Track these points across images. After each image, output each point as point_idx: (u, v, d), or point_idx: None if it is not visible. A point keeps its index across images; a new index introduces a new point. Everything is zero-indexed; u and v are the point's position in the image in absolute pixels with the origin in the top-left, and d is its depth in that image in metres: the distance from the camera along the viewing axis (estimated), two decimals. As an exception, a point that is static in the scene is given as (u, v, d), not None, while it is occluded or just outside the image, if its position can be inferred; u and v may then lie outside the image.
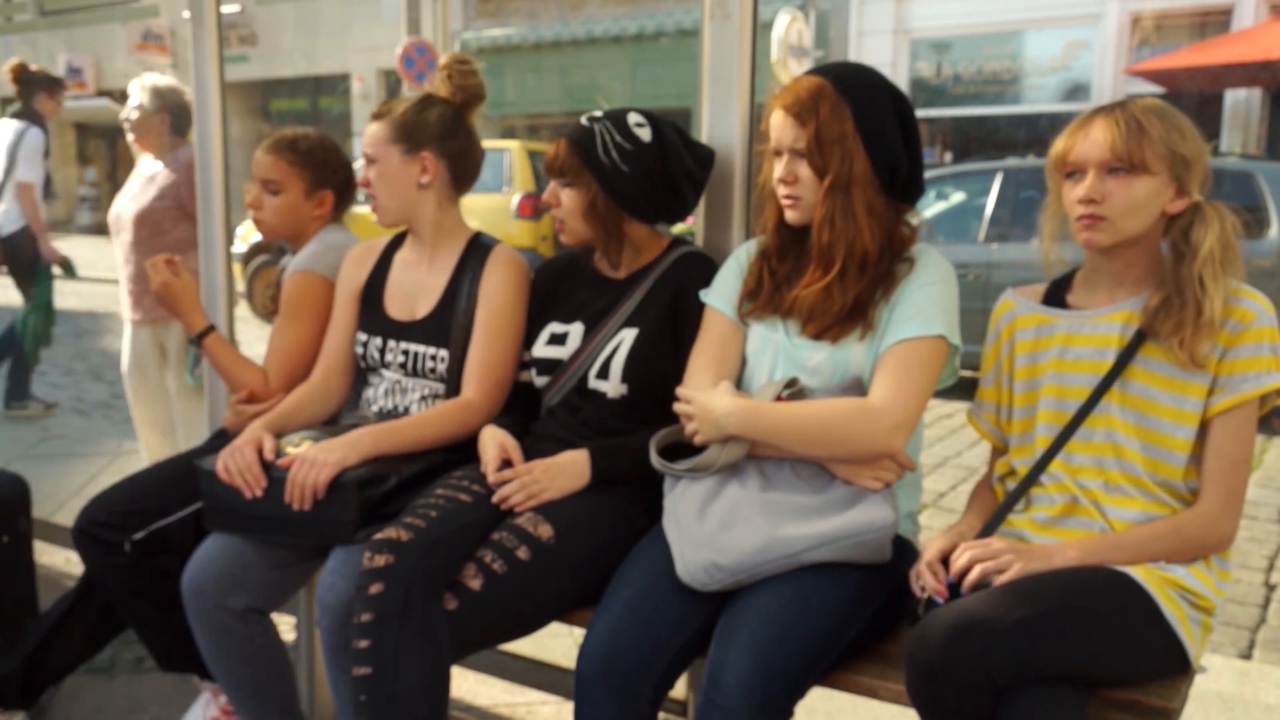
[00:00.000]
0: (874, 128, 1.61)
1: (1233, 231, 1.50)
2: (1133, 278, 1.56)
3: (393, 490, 1.85)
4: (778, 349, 1.69)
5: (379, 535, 1.63)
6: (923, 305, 1.59)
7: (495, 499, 1.74)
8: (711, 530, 1.55)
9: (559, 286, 2.00)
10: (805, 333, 1.67)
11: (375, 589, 1.59)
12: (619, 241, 1.88)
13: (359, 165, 2.05)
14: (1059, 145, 1.56)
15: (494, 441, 1.83)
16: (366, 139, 2.01)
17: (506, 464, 1.80)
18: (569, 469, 1.77)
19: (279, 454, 1.85)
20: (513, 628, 1.70)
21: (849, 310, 1.63)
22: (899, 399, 1.54)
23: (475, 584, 1.61)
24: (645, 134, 1.83)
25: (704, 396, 1.64)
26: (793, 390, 1.63)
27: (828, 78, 1.63)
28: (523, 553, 1.65)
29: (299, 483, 1.78)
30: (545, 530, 1.68)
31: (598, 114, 1.87)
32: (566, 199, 1.87)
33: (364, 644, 1.59)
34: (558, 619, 1.72)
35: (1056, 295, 1.64)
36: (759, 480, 1.61)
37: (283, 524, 1.82)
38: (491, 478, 1.76)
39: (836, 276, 1.63)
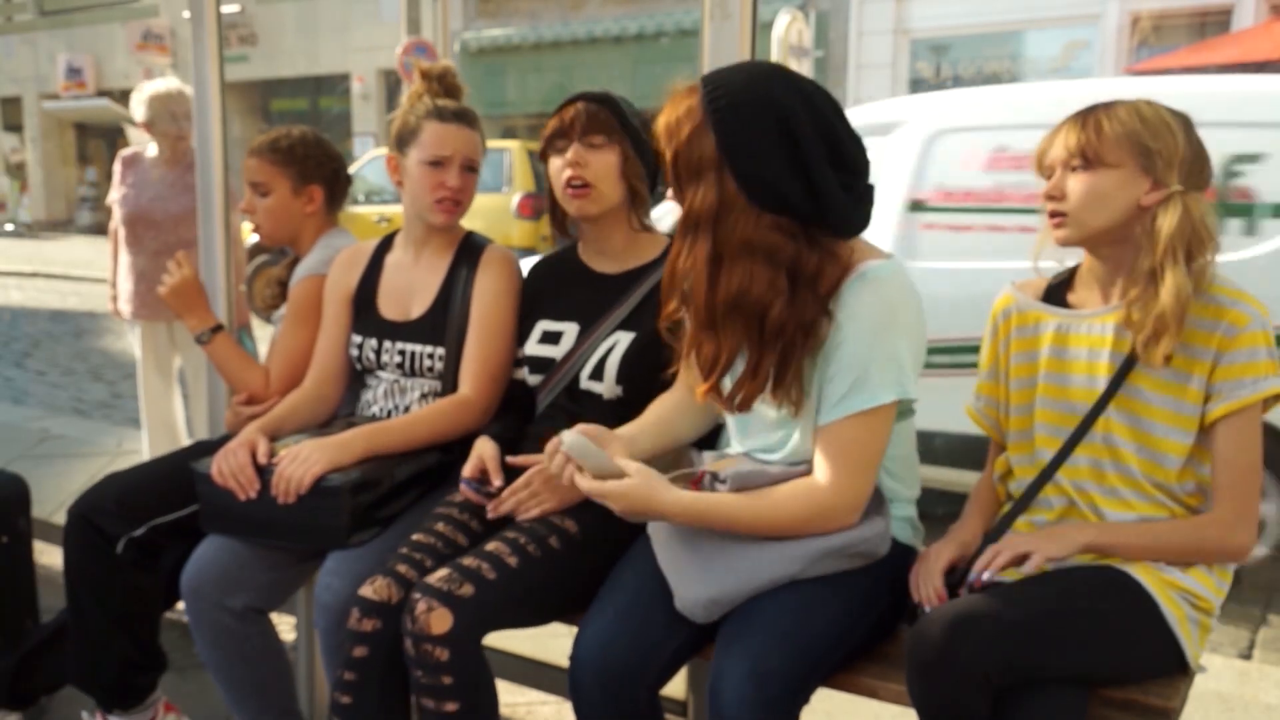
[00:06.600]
0: (744, 152, 1.41)
1: (1201, 219, 1.46)
2: (1124, 276, 1.54)
3: (385, 495, 1.85)
4: None
5: (371, 593, 1.62)
6: (855, 375, 1.42)
7: (490, 513, 1.73)
8: (703, 563, 1.51)
9: (550, 283, 1.98)
10: (726, 399, 1.54)
11: (359, 652, 1.61)
12: (644, 202, 1.85)
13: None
14: (1039, 148, 1.57)
15: (474, 453, 1.82)
16: None
17: (484, 479, 1.79)
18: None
19: (273, 457, 1.85)
20: (534, 613, 1.68)
21: (772, 379, 1.46)
22: (849, 484, 1.44)
23: (512, 561, 1.60)
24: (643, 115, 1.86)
25: (644, 489, 1.46)
26: (715, 476, 1.52)
27: (702, 91, 1.44)
28: (554, 541, 1.66)
29: (285, 477, 1.78)
30: (570, 525, 1.69)
31: (594, 90, 1.85)
32: (600, 160, 1.79)
33: (345, 699, 1.63)
34: (570, 616, 1.71)
35: (1058, 291, 1.63)
36: None
37: (275, 527, 1.83)
38: (496, 510, 1.73)
39: (726, 333, 1.45)
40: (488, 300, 1.98)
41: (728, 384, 1.54)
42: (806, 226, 1.43)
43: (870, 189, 1.49)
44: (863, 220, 1.48)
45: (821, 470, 1.45)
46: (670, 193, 1.52)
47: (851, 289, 1.44)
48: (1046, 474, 1.56)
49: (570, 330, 1.88)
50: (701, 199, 1.43)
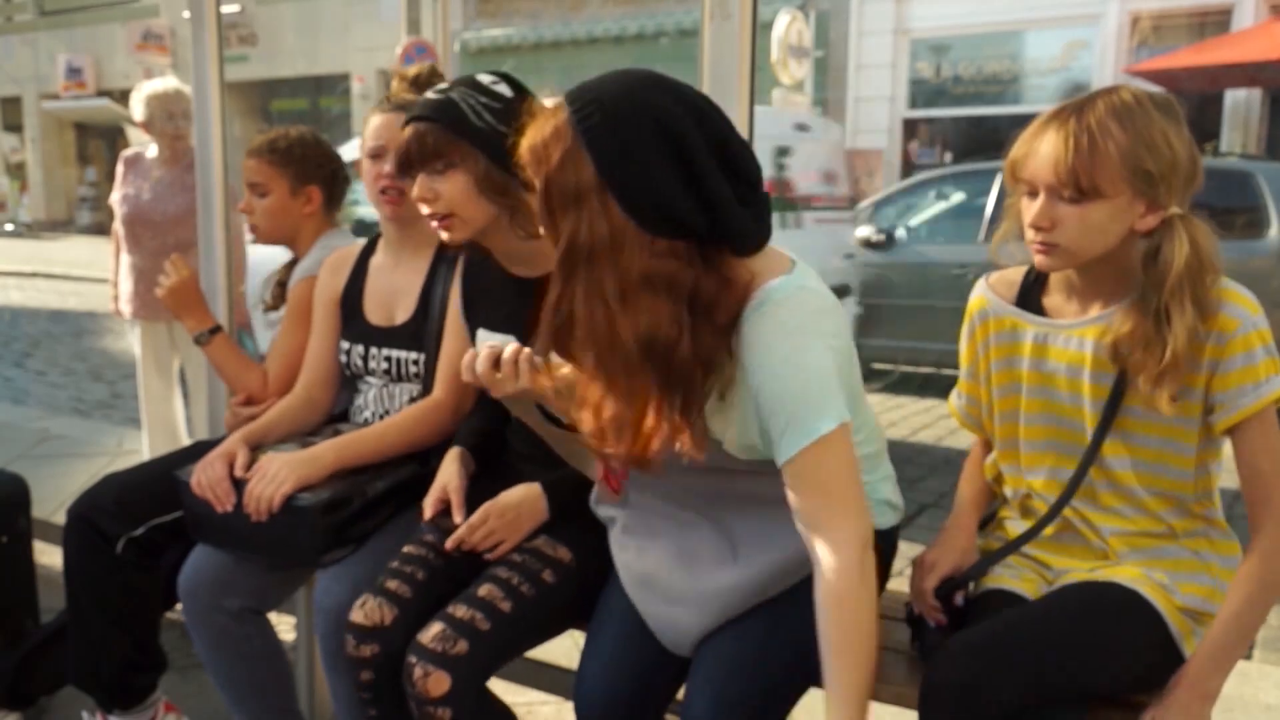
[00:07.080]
0: (627, 172, 1.24)
1: (1208, 251, 1.34)
2: (1105, 291, 1.46)
3: (358, 512, 1.83)
4: None
5: (362, 618, 1.60)
6: (787, 413, 1.28)
7: (449, 545, 1.65)
8: (675, 607, 1.48)
9: (480, 288, 1.86)
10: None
11: (365, 676, 1.60)
12: (525, 208, 1.61)
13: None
14: (1014, 152, 1.41)
15: (438, 482, 1.74)
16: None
17: (447, 510, 1.71)
18: (524, 510, 1.68)
19: (252, 467, 1.83)
20: (536, 641, 1.67)
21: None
22: (848, 524, 1.26)
23: (505, 606, 1.56)
24: (504, 89, 1.69)
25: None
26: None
27: (571, 109, 1.26)
28: (548, 575, 1.62)
29: (254, 496, 1.76)
30: (564, 553, 1.65)
31: (443, 85, 1.69)
32: (450, 187, 1.64)
33: (367, 696, 1.62)
34: (575, 625, 1.70)
35: (1033, 293, 1.55)
36: (700, 543, 1.51)
37: (251, 541, 1.81)
38: (449, 544, 1.66)
39: (638, 382, 1.29)
40: (455, 300, 1.94)
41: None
42: (703, 248, 1.28)
43: (766, 199, 1.34)
44: (763, 234, 1.34)
45: (812, 526, 1.28)
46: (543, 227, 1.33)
47: (750, 321, 1.30)
48: (1051, 515, 1.52)
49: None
50: (587, 230, 1.25)
